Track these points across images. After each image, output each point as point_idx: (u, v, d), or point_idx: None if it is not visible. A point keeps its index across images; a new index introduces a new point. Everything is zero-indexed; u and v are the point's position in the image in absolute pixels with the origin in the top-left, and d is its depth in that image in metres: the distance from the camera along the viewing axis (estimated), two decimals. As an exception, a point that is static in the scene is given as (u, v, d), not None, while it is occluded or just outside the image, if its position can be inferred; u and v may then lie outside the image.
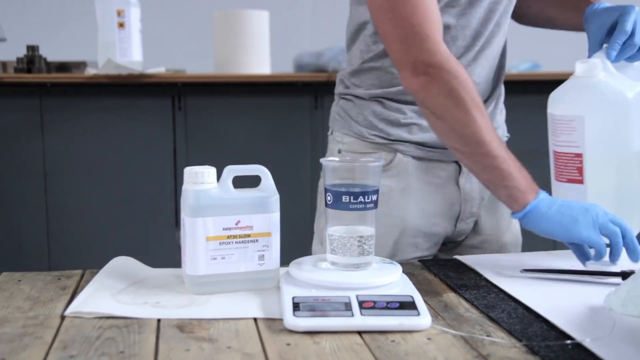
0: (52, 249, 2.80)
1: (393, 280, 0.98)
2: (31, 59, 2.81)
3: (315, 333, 0.85)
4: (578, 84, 1.14)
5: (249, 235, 0.99)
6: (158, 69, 2.74)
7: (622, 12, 1.19)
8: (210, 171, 0.99)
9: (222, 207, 0.98)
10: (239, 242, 0.99)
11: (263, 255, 1.00)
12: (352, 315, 0.87)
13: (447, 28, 1.22)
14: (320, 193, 1.37)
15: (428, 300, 0.97)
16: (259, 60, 2.76)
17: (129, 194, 2.80)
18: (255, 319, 0.90)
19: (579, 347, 0.80)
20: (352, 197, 0.98)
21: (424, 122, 1.27)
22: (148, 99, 2.77)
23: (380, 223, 1.22)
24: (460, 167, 1.30)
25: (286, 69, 3.05)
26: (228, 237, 0.98)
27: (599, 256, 1.07)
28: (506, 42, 1.34)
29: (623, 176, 1.15)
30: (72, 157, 2.77)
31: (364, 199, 0.98)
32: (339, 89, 1.38)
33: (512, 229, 1.38)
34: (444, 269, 1.13)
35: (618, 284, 0.94)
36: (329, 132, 1.38)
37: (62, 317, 0.91)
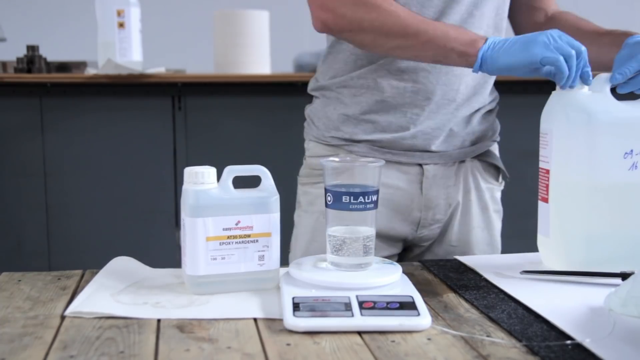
0: (52, 249, 2.80)
1: (393, 281, 0.98)
2: (31, 59, 2.81)
3: (315, 333, 0.85)
4: (557, 96, 1.11)
5: (249, 236, 0.99)
6: (158, 69, 2.74)
7: None
8: (210, 171, 0.99)
9: (222, 207, 0.98)
10: (239, 242, 0.99)
11: (263, 256, 1.00)
12: (352, 316, 0.87)
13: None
14: (300, 195, 1.36)
15: (428, 301, 0.97)
16: (259, 60, 2.76)
17: (129, 194, 2.80)
18: (255, 319, 0.90)
19: (579, 347, 0.80)
20: (352, 198, 0.98)
21: (380, 119, 1.27)
22: (148, 99, 2.77)
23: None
24: (423, 171, 1.29)
25: (286, 69, 3.05)
26: (228, 237, 0.98)
27: (561, 77, 1.04)
28: None
29: (594, 209, 1.07)
30: (72, 157, 2.77)
31: (364, 199, 0.98)
32: (310, 85, 1.39)
33: (481, 247, 1.36)
34: (444, 269, 1.13)
35: (618, 284, 0.94)
36: None
37: (62, 317, 0.91)
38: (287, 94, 2.75)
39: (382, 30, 1.14)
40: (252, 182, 1.02)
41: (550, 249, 1.12)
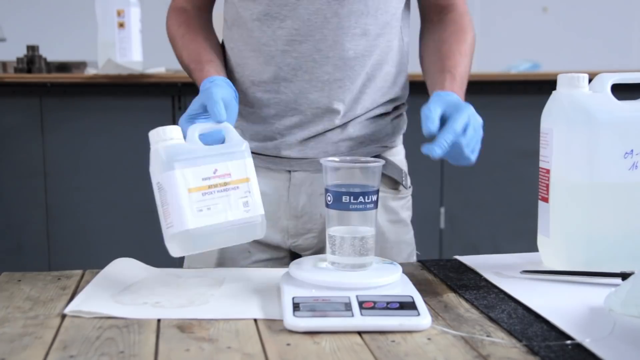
0: (52, 249, 2.80)
1: (393, 281, 0.98)
2: (31, 59, 2.82)
3: (315, 333, 0.85)
4: (557, 96, 1.11)
5: (228, 183, 0.98)
6: (158, 69, 2.74)
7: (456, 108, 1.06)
8: (175, 127, 0.99)
9: (197, 159, 0.97)
10: (221, 190, 0.97)
11: (247, 202, 0.99)
12: (352, 316, 0.87)
13: None
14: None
15: (428, 301, 0.97)
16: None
17: (129, 194, 2.79)
18: (255, 319, 0.90)
19: (579, 347, 0.80)
20: (352, 198, 0.97)
21: (247, 127, 1.26)
22: (148, 99, 2.77)
23: None
24: (291, 179, 1.26)
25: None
26: (209, 186, 0.96)
27: None
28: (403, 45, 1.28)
29: (594, 208, 1.06)
30: (72, 157, 2.77)
31: (364, 199, 0.98)
32: None
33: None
34: (444, 269, 1.13)
35: (618, 284, 0.94)
36: None
37: (62, 317, 0.91)
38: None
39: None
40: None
41: (550, 249, 1.12)
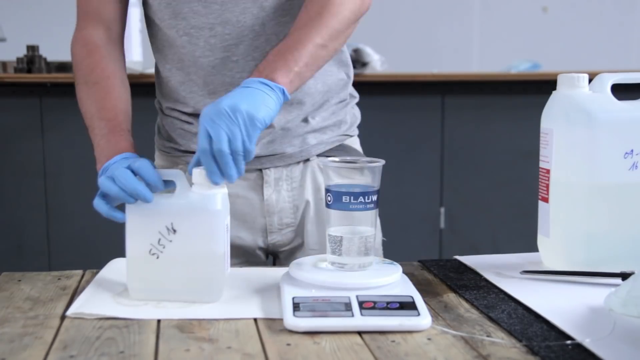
0: (52, 249, 2.80)
1: (393, 281, 0.98)
2: (31, 59, 2.82)
3: (315, 333, 0.85)
4: (557, 96, 1.11)
5: None
6: (158, 69, 2.73)
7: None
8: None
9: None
10: None
11: None
12: (352, 316, 0.87)
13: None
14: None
15: (428, 301, 0.97)
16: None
17: (129, 194, 2.79)
18: (255, 319, 0.90)
19: (579, 347, 0.80)
20: (352, 197, 0.97)
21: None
22: (148, 99, 2.77)
23: None
24: (263, 176, 1.25)
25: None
26: None
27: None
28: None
29: (594, 208, 1.06)
30: (72, 157, 2.77)
31: (365, 199, 0.98)
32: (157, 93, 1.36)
33: None
34: (444, 269, 1.13)
35: (618, 284, 0.94)
36: None
37: (62, 317, 0.91)
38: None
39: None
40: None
41: (550, 249, 1.12)
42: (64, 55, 3.10)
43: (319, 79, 1.24)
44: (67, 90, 2.76)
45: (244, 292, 0.99)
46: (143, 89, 2.76)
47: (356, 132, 1.35)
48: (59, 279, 1.08)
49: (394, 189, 2.77)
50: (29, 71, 2.80)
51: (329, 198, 0.99)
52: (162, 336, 0.85)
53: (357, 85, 1.37)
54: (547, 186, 1.09)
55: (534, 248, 1.16)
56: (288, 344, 0.82)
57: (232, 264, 1.23)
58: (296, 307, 0.89)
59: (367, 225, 0.99)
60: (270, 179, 1.25)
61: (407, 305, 0.90)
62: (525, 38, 4.06)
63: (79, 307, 0.93)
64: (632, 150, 1.05)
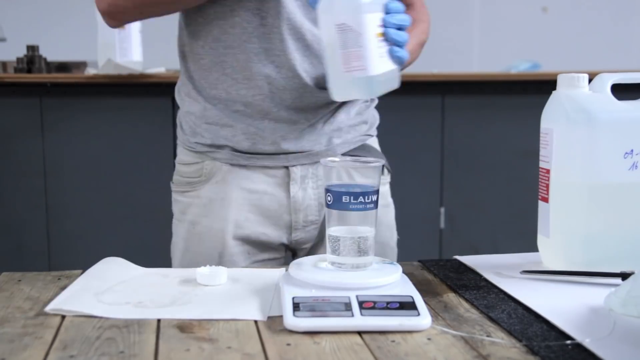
0: (52, 249, 2.80)
1: (393, 281, 0.98)
2: (31, 59, 2.82)
3: (315, 333, 0.85)
4: (557, 96, 1.11)
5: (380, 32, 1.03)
6: (158, 69, 2.74)
7: None
8: None
9: (371, 4, 0.99)
10: (382, 38, 1.03)
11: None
12: (352, 316, 0.87)
13: None
14: (173, 202, 1.32)
15: (428, 301, 0.97)
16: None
17: (128, 194, 2.80)
18: (255, 319, 0.90)
19: (579, 347, 0.80)
20: (352, 198, 0.97)
21: (238, 125, 1.24)
22: (148, 99, 2.77)
23: (202, 237, 1.24)
24: (290, 174, 1.26)
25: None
26: (381, 34, 1.01)
27: None
28: None
29: (594, 208, 1.06)
30: (72, 157, 2.78)
31: (364, 199, 0.98)
32: (177, 87, 1.36)
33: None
34: (444, 269, 1.13)
35: (618, 284, 0.94)
36: None
37: (62, 317, 0.91)
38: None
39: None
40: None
41: (550, 249, 1.12)
42: (64, 55, 3.11)
43: None
44: (67, 90, 2.77)
45: (244, 292, 0.99)
46: (143, 88, 2.77)
47: (375, 132, 1.38)
48: (59, 279, 1.08)
49: (394, 188, 2.77)
50: (29, 71, 2.81)
51: (328, 198, 0.99)
52: (162, 336, 0.85)
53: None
54: (547, 186, 1.09)
55: (534, 248, 1.16)
56: (288, 344, 0.82)
57: (257, 260, 1.24)
58: (296, 307, 0.89)
59: (367, 225, 0.99)
60: (296, 177, 1.26)
61: (407, 305, 0.90)
62: (525, 38, 4.06)
63: (59, 303, 0.93)
64: (632, 150, 1.05)
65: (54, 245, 2.80)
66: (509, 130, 2.97)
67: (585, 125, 1.04)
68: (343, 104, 1.28)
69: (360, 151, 1.31)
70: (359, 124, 1.32)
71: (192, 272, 1.06)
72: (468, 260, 1.17)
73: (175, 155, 1.38)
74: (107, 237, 2.78)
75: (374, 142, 1.37)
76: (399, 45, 1.06)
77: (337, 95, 1.03)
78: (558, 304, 0.94)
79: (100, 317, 0.90)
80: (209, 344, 0.82)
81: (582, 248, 1.07)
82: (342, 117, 1.29)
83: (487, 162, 3.02)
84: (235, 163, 1.25)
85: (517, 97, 2.99)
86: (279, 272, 1.08)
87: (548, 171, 1.09)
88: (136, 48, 2.72)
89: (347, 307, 0.89)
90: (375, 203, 0.99)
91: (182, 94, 1.32)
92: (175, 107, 2.76)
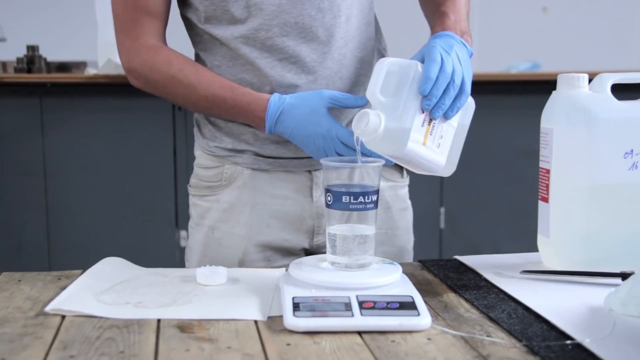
0: (52, 249, 2.80)
1: (393, 281, 0.98)
2: (31, 59, 2.82)
3: (315, 333, 0.85)
4: (557, 96, 1.11)
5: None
6: (158, 69, 2.73)
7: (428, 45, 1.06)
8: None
9: (405, 116, 1.02)
10: (433, 124, 1.06)
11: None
12: (352, 316, 0.87)
13: None
14: (191, 206, 1.31)
15: (428, 301, 0.97)
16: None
17: (129, 194, 2.80)
18: (255, 319, 0.90)
19: (579, 347, 0.80)
20: (352, 197, 0.97)
21: (258, 132, 1.22)
22: (148, 99, 2.76)
23: (221, 243, 1.23)
24: (312, 178, 1.25)
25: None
26: (429, 129, 1.04)
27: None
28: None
29: (594, 208, 1.06)
30: (72, 157, 2.77)
31: (364, 199, 0.98)
32: None
33: (385, 248, 1.29)
34: (444, 269, 1.13)
35: (618, 284, 0.94)
36: None
37: (62, 317, 0.91)
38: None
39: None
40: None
41: (550, 249, 1.12)
42: (64, 55, 3.11)
43: None
44: (67, 90, 2.76)
45: (244, 292, 0.99)
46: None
47: None
48: (59, 279, 1.08)
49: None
50: (29, 71, 2.81)
51: (329, 198, 0.99)
52: (162, 336, 0.85)
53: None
54: (547, 186, 1.09)
55: (534, 248, 1.16)
56: (288, 344, 0.82)
57: (277, 267, 1.21)
58: (296, 307, 0.89)
59: (367, 225, 0.99)
60: (319, 181, 1.25)
61: (407, 305, 0.90)
62: (525, 38, 4.06)
63: (59, 303, 0.93)
64: (632, 150, 1.05)
65: (54, 245, 2.80)
66: (509, 130, 2.97)
67: (585, 125, 1.04)
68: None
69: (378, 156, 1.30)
70: None
71: (192, 272, 1.06)
72: (468, 260, 1.17)
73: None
74: (107, 237, 2.78)
75: None
76: (451, 108, 1.05)
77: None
78: (558, 304, 0.94)
79: (100, 317, 0.90)
80: (209, 344, 0.82)
81: (582, 248, 1.07)
82: None
83: (487, 162, 3.02)
84: (257, 168, 1.24)
85: (517, 97, 2.99)
86: (279, 272, 1.08)
87: (548, 171, 1.09)
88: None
89: (347, 307, 0.89)
90: (375, 203, 0.99)
91: None
92: (175, 107, 2.76)
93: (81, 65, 2.94)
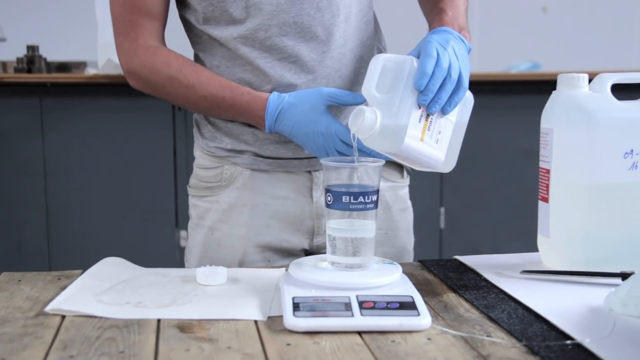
0: (52, 249, 2.80)
1: (393, 281, 0.98)
2: (31, 59, 2.82)
3: (315, 333, 0.85)
4: (557, 96, 1.11)
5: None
6: (158, 69, 2.73)
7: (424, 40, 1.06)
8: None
9: (402, 110, 1.01)
10: (431, 119, 1.05)
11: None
12: (352, 316, 0.87)
13: None
14: (190, 207, 1.30)
15: (428, 301, 0.97)
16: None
17: (129, 194, 2.80)
18: (255, 319, 0.90)
19: (579, 347, 0.80)
20: (352, 197, 0.97)
21: (258, 132, 1.22)
22: (148, 99, 2.76)
23: (220, 243, 1.23)
24: (312, 179, 1.25)
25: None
26: (427, 124, 1.03)
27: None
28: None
29: (594, 208, 1.06)
30: (72, 157, 2.77)
31: (364, 199, 0.98)
32: None
33: (385, 249, 1.28)
34: (444, 269, 1.13)
35: (618, 284, 0.94)
36: None
37: (62, 317, 0.91)
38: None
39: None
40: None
41: (550, 249, 1.12)
42: (64, 55, 3.11)
43: None
44: (67, 90, 2.76)
45: (244, 292, 0.99)
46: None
47: None
48: (59, 279, 1.08)
49: (394, 189, 2.78)
50: (29, 71, 2.81)
51: (329, 198, 0.99)
52: (162, 336, 0.85)
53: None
54: (547, 186, 1.09)
55: (534, 248, 1.16)
56: (288, 344, 0.82)
57: (276, 267, 1.21)
58: (296, 307, 0.89)
59: (366, 225, 0.99)
60: (319, 181, 1.25)
61: (407, 305, 0.90)
62: (525, 38, 4.06)
63: (59, 303, 0.93)
64: (632, 150, 1.05)
65: (54, 245, 2.80)
66: (509, 130, 2.97)
67: (585, 125, 1.04)
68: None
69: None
70: None
71: (192, 272, 1.06)
72: (468, 260, 1.17)
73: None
74: (107, 237, 2.78)
75: None
76: (449, 103, 1.04)
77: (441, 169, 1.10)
78: (558, 304, 0.94)
79: (100, 317, 0.90)
80: (209, 344, 0.82)
81: (582, 248, 1.07)
82: None
83: (487, 162, 3.02)
84: (257, 168, 1.24)
85: (517, 97, 2.99)
86: (279, 272, 1.08)
87: (548, 171, 1.09)
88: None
89: (347, 307, 0.89)
90: (375, 203, 0.99)
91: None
92: (175, 107, 2.76)
93: (81, 65, 2.94)
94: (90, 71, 2.84)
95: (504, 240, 3.01)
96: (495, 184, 3.03)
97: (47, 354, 0.79)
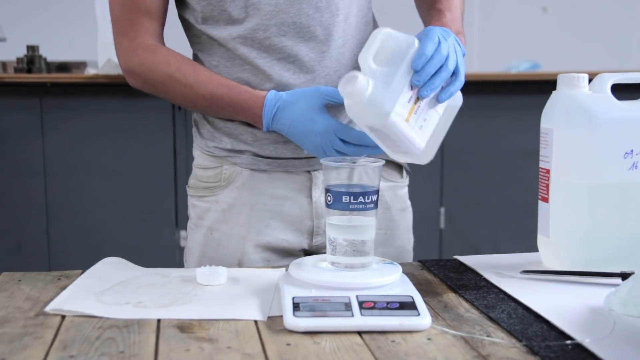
0: (52, 249, 2.80)
1: (393, 281, 0.98)
2: (31, 59, 2.82)
3: (315, 333, 0.85)
4: (557, 96, 1.11)
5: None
6: (158, 69, 2.73)
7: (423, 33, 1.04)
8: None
9: (393, 85, 0.99)
10: (420, 103, 1.02)
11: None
12: (352, 316, 0.87)
13: None
14: (190, 207, 1.30)
15: (428, 301, 0.97)
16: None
17: (129, 194, 2.80)
18: (255, 319, 0.90)
19: (579, 347, 0.80)
20: (352, 198, 0.97)
21: (257, 132, 1.22)
22: (148, 99, 2.76)
23: (220, 244, 1.22)
24: (312, 179, 1.24)
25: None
26: (414, 107, 1.01)
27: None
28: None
29: (594, 208, 1.06)
30: (72, 157, 2.78)
31: (364, 199, 0.98)
32: None
33: (384, 249, 1.28)
34: (444, 269, 1.13)
35: (618, 284, 0.94)
36: None
37: (62, 317, 0.91)
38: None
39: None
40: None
41: (550, 249, 1.12)
42: (64, 55, 3.11)
43: None
44: (67, 90, 2.77)
45: (244, 292, 0.99)
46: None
47: None
48: (59, 279, 1.08)
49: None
50: (29, 71, 2.81)
51: (329, 198, 0.99)
52: (162, 336, 0.85)
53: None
54: (547, 186, 1.09)
55: (534, 248, 1.16)
56: (288, 344, 0.82)
57: (276, 267, 1.21)
58: (296, 307, 0.89)
59: (367, 225, 0.99)
60: (319, 181, 1.24)
61: (407, 305, 0.90)
62: (525, 38, 4.06)
63: (59, 303, 0.93)
64: (632, 150, 1.05)
65: (54, 245, 2.80)
66: (509, 130, 2.97)
67: (585, 125, 1.04)
68: None
69: (380, 154, 1.30)
70: None
71: (192, 272, 1.06)
72: (468, 260, 1.17)
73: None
74: (107, 237, 2.78)
75: None
76: (444, 92, 1.04)
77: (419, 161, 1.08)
78: (558, 304, 0.94)
79: (100, 317, 0.90)
80: (209, 344, 0.82)
81: (582, 248, 1.07)
82: None
83: (487, 162, 3.02)
84: (256, 168, 1.23)
85: (517, 97, 2.99)
86: (279, 272, 1.08)
87: (548, 171, 1.09)
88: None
89: (347, 307, 0.89)
90: (375, 203, 0.99)
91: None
92: (175, 107, 2.76)
93: (81, 65, 2.94)
94: (90, 71, 2.84)
95: (504, 240, 3.01)
96: (495, 184, 3.03)
97: (47, 354, 0.79)
